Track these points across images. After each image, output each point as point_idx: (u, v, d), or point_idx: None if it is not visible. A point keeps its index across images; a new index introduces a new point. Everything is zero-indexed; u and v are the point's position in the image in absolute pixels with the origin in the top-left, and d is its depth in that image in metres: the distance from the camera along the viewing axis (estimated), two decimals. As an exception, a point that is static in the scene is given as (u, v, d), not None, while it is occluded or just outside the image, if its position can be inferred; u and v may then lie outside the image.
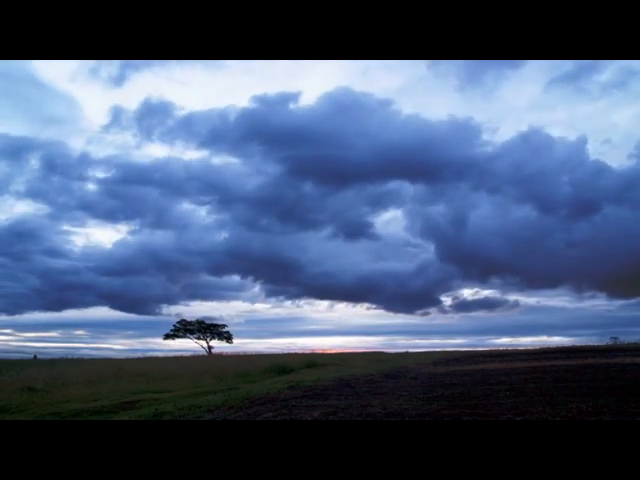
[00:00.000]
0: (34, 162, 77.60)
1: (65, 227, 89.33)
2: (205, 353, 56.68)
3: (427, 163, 77.99)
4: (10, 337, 78.75)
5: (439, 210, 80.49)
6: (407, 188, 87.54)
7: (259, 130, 76.10)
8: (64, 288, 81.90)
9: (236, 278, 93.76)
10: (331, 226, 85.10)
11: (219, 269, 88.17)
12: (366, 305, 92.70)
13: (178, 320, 63.65)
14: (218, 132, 79.45)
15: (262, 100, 76.59)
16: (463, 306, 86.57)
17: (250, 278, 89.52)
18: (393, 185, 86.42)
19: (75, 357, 36.90)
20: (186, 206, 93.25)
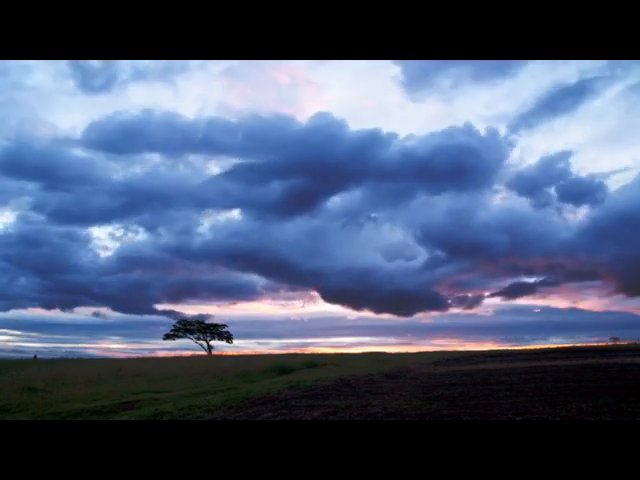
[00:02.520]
0: (31, 162, 77.20)
1: (63, 228, 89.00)
2: (205, 353, 56.67)
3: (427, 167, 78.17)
4: (10, 337, 78.71)
5: (440, 209, 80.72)
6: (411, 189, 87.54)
7: (260, 134, 76.43)
8: (64, 288, 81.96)
9: (236, 276, 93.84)
10: (335, 223, 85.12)
11: (219, 267, 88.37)
12: (365, 304, 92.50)
13: (178, 320, 63.68)
14: (217, 133, 79.50)
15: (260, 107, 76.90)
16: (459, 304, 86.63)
17: (250, 276, 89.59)
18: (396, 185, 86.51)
19: (75, 357, 36.96)
20: (187, 204, 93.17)
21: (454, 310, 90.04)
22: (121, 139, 79.23)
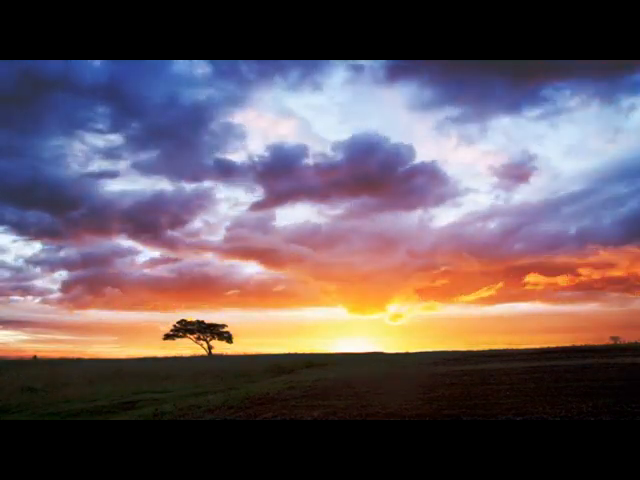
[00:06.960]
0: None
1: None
2: (205, 353, 56.71)
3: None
4: (10, 337, 78.70)
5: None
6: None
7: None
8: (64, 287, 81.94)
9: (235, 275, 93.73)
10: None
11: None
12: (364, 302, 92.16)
13: (178, 320, 63.63)
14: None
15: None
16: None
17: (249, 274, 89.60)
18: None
19: (75, 357, 36.99)
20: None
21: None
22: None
